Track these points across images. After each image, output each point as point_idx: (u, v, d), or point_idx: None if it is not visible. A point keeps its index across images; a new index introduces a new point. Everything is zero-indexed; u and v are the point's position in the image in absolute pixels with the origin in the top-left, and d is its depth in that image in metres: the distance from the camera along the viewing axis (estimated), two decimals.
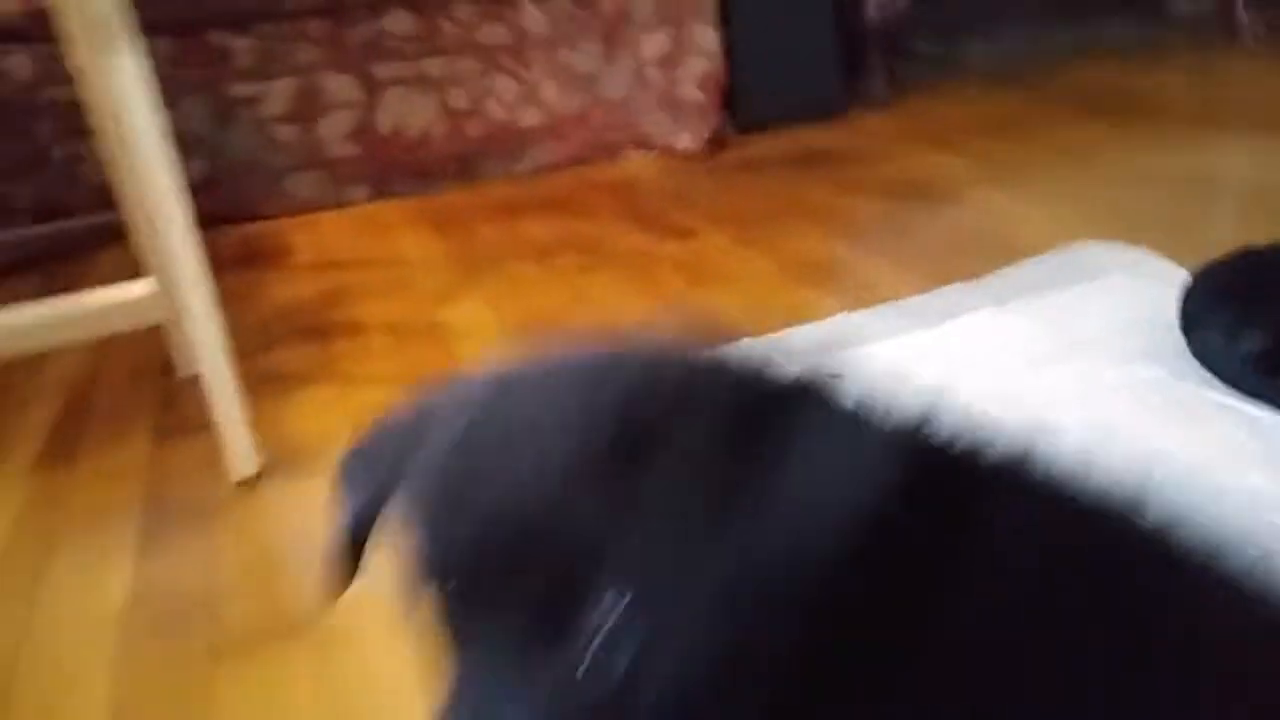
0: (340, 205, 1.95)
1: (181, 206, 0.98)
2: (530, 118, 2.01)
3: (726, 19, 2.06)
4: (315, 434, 1.07)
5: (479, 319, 1.33)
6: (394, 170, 1.97)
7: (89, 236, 1.76)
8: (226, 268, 1.43)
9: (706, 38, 2.05)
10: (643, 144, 2.09)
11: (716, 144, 2.09)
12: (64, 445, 1.11)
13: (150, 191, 0.97)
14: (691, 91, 2.07)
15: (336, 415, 1.11)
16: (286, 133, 1.89)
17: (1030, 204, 1.49)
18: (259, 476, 1.00)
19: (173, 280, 1.01)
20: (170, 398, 1.20)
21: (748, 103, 2.11)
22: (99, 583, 0.86)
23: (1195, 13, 2.57)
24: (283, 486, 0.98)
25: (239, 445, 1.00)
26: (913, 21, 2.37)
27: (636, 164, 2.04)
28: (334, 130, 1.91)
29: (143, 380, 1.26)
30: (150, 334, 1.31)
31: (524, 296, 1.40)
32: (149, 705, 0.72)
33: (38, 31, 1.72)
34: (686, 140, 2.08)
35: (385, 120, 1.94)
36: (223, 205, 1.80)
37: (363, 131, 1.93)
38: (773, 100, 2.12)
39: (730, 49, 2.07)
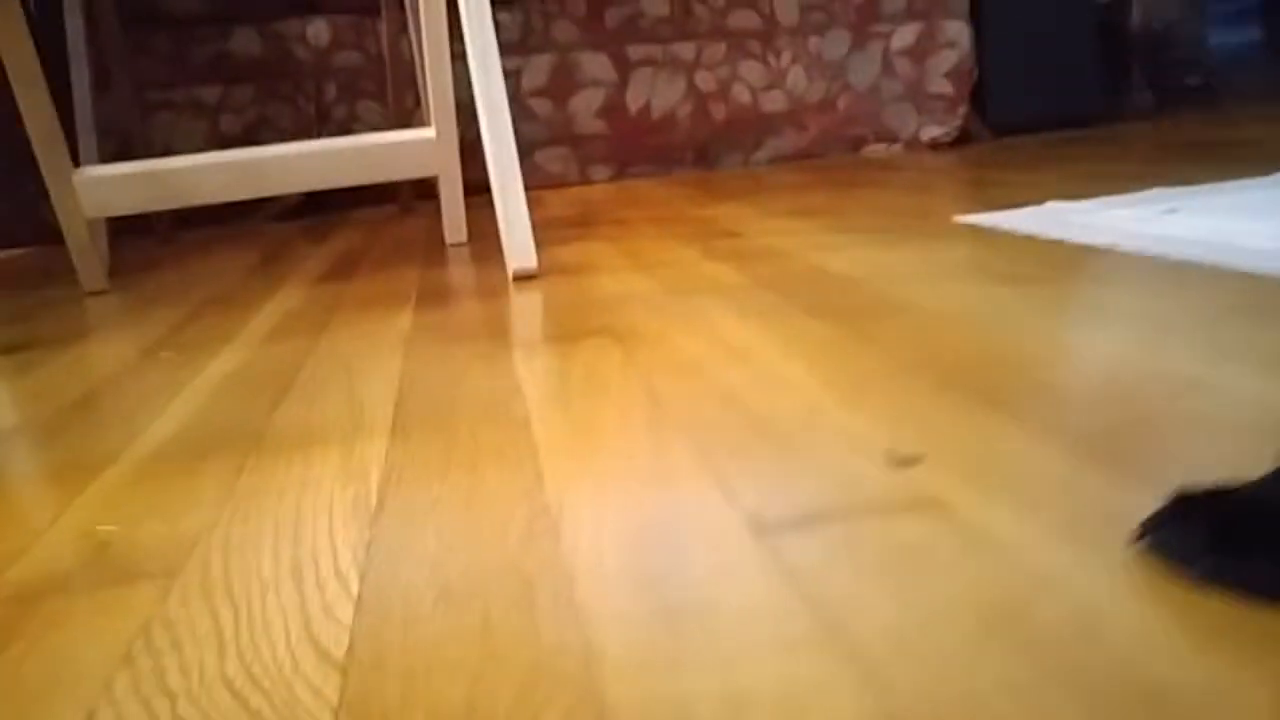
0: (584, 182, 1.99)
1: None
2: (774, 103, 2.01)
3: (978, 15, 2.02)
4: (588, 261, 1.04)
5: (738, 213, 1.29)
6: (637, 151, 2.00)
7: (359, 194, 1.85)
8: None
9: (957, 32, 2.01)
10: (886, 136, 2.04)
11: (964, 140, 2.03)
12: (340, 272, 1.13)
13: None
14: (940, 84, 2.02)
15: (606, 254, 1.08)
16: (540, 106, 1.96)
17: None
18: (537, 276, 0.97)
19: (479, 103, 1.02)
20: (438, 251, 1.21)
21: (1000, 102, 2.04)
22: (385, 321, 0.84)
23: None
24: (560, 279, 0.95)
25: (520, 241, 0.98)
26: (1184, 32, 2.25)
27: (879, 155, 2.00)
28: (585, 107, 1.97)
29: (412, 244, 1.28)
30: (417, 220, 1.34)
31: (785, 198, 1.35)
32: (428, 375, 0.67)
33: (334, 2, 1.88)
34: (934, 133, 2.02)
35: (634, 100, 1.99)
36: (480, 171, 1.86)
37: (611, 109, 1.98)
38: (1027, 101, 2.04)
39: (983, 46, 2.02)
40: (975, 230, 0.99)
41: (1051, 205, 1.06)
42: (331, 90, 1.90)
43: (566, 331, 0.74)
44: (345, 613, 0.35)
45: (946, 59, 2.03)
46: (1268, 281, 0.68)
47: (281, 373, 0.71)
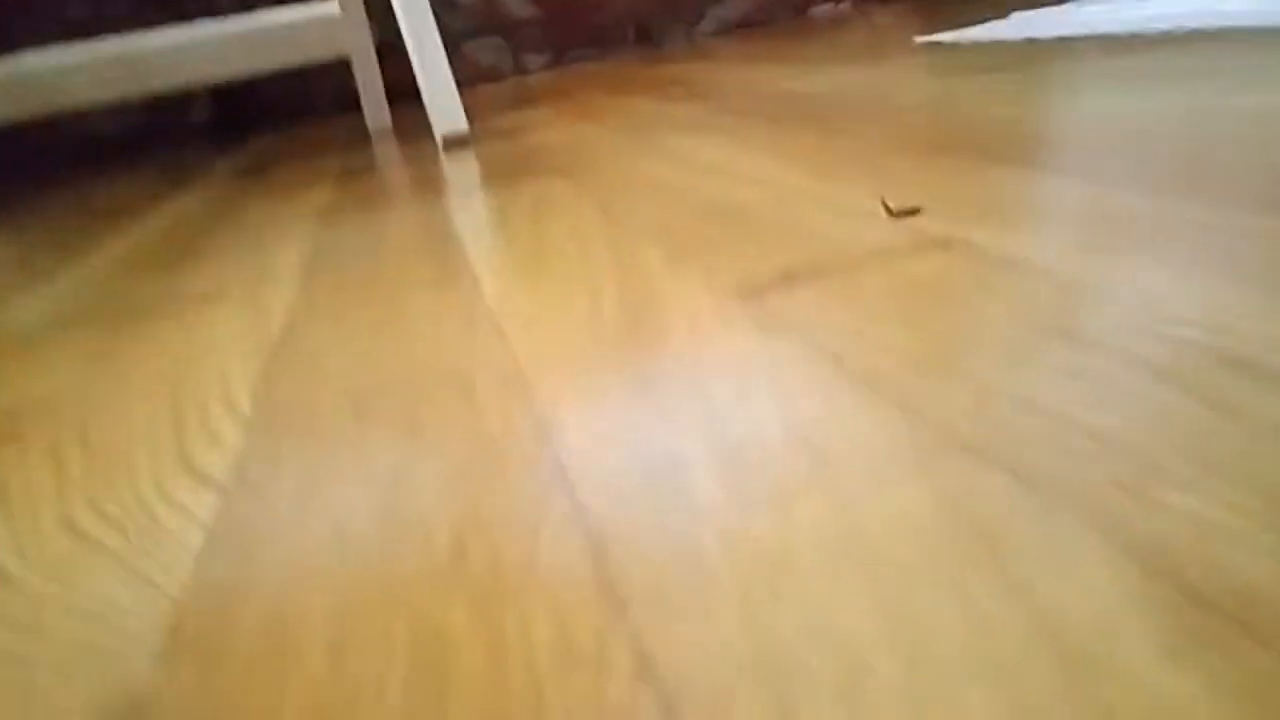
0: (519, 73, 1.88)
1: None
2: None
3: None
4: (528, 123, 0.95)
5: (691, 69, 1.20)
6: (573, 36, 1.89)
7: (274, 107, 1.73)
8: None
9: None
10: None
11: None
12: (254, 169, 1.03)
13: None
14: None
15: (549, 116, 0.99)
16: None
17: None
18: (469, 141, 0.88)
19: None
20: (362, 141, 1.11)
21: None
22: (301, 198, 0.75)
23: None
24: (497, 140, 0.86)
25: (446, 101, 0.88)
26: None
27: (828, 14, 1.89)
28: None
29: (333, 139, 1.18)
30: (338, 123, 1.24)
31: (738, 53, 1.26)
32: (346, 233, 0.59)
33: None
34: None
35: None
36: (405, 73, 1.74)
37: None
38: None
39: None
40: (940, 46, 0.91)
41: (1018, 15, 0.98)
42: None
43: (506, 176, 0.66)
44: (232, 436, 0.28)
45: None
46: (1253, 34, 0.61)
47: (181, 249, 0.62)
